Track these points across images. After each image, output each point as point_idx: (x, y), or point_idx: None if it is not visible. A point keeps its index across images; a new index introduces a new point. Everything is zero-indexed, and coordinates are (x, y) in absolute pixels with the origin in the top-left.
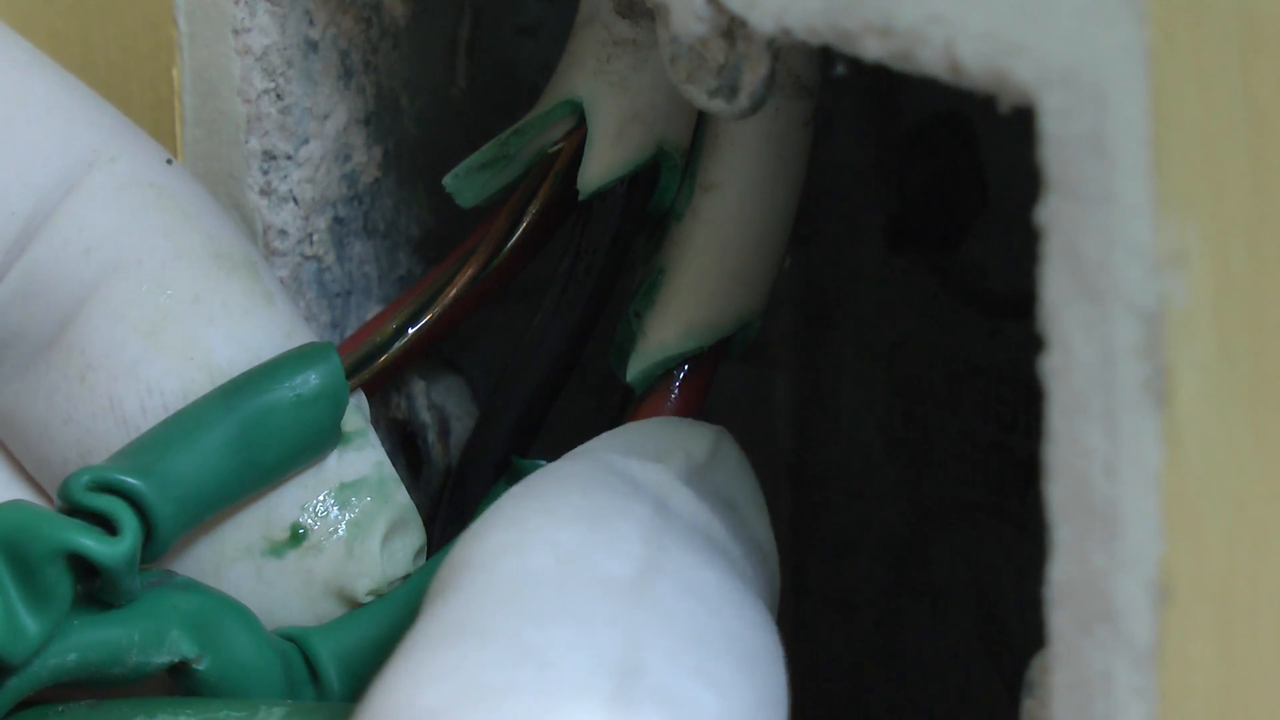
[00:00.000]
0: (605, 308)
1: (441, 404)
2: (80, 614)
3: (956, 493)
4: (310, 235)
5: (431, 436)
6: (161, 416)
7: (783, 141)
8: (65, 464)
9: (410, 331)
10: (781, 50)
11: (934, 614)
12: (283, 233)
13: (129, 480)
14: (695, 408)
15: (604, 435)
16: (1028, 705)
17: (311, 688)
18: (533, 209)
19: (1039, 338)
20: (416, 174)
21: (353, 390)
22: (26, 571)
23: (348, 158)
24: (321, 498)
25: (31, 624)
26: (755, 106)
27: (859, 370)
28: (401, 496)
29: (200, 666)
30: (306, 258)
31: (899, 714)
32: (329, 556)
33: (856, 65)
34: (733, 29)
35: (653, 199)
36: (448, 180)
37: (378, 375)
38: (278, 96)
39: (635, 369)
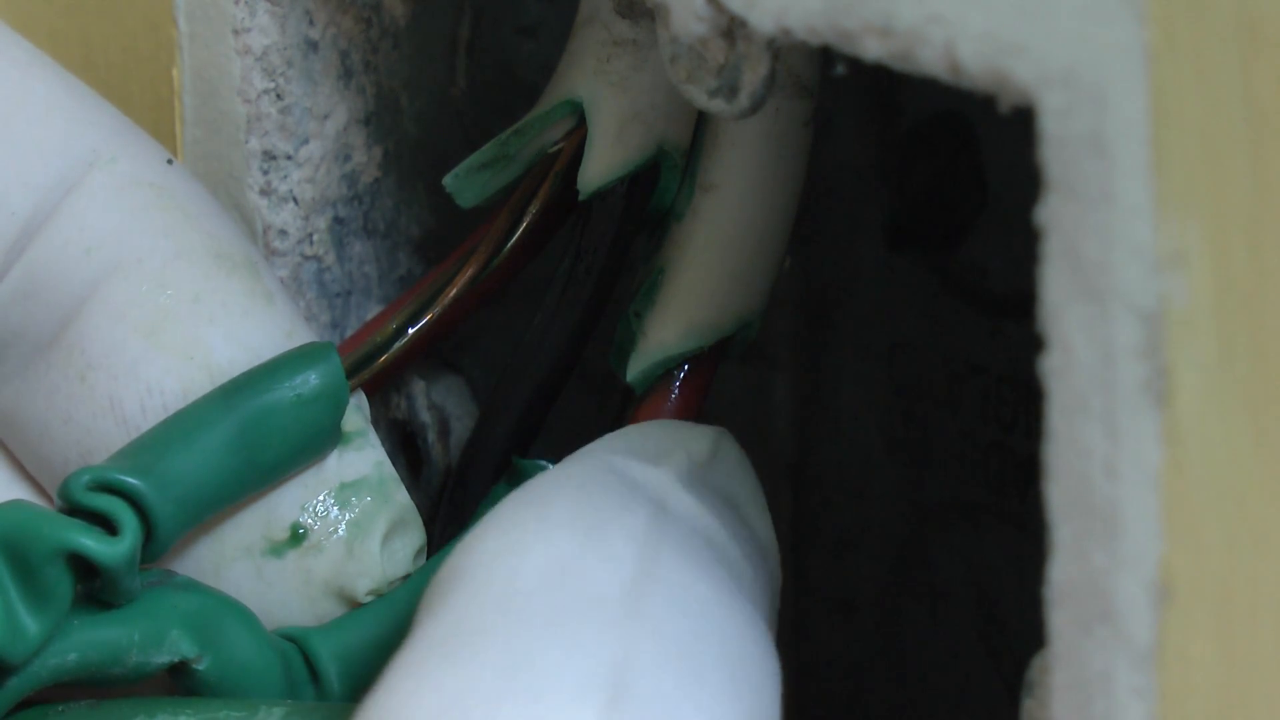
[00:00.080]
0: (605, 308)
1: (441, 404)
2: (80, 614)
3: (956, 493)
4: (310, 235)
5: (431, 436)
6: (161, 416)
7: (783, 141)
8: (65, 464)
9: (410, 331)
10: (781, 50)
11: (934, 614)
12: (283, 233)
13: (129, 480)
14: (695, 408)
15: (606, 437)
16: (1028, 705)
17: (311, 688)
18: (533, 209)
19: (1039, 338)
20: (416, 174)
21: (353, 390)
22: (26, 571)
23: (348, 158)
24: (321, 498)
25: (31, 624)
26: (755, 106)
27: (859, 370)
28: (401, 496)
29: (200, 666)
30: (306, 258)
31: (899, 714)
32: (329, 556)
33: (856, 65)
34: (733, 29)
35: (653, 199)
36: (448, 180)
37: (378, 375)
38: (278, 96)
39: (635, 369)
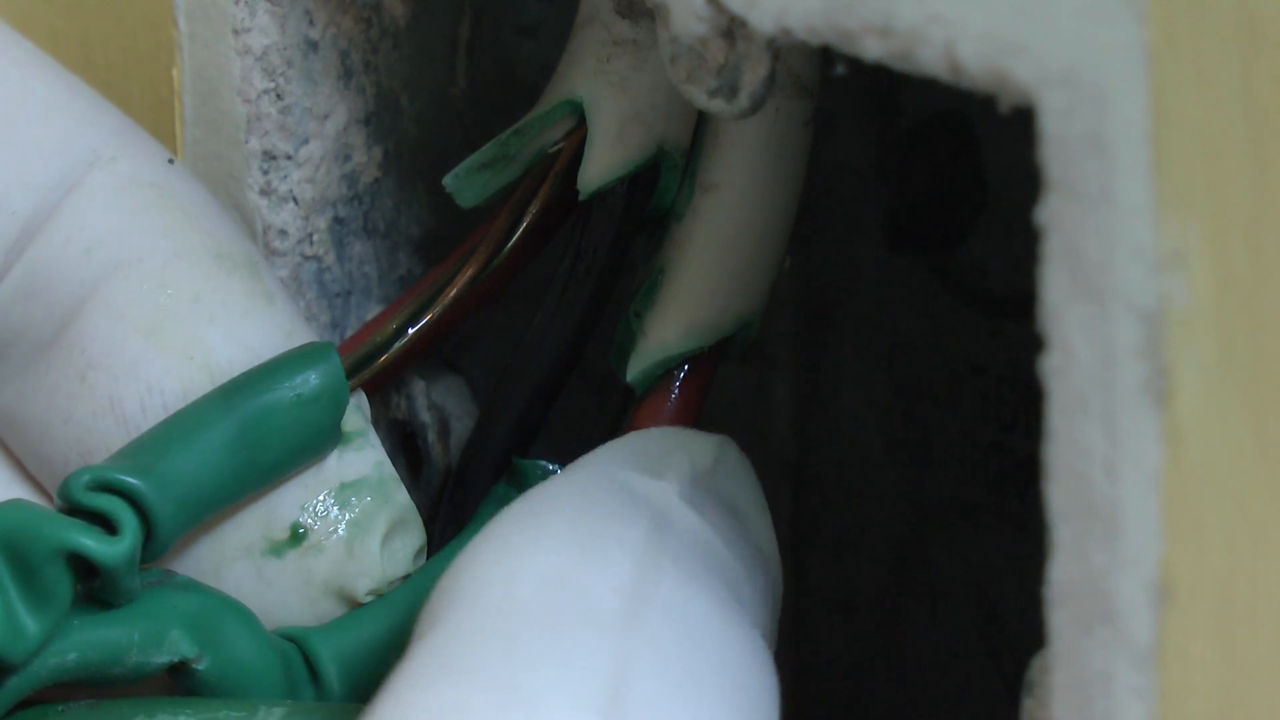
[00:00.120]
0: (605, 308)
1: (441, 404)
2: (80, 614)
3: (956, 493)
4: (310, 235)
5: (431, 436)
6: (161, 416)
7: (783, 141)
8: (66, 463)
9: (410, 331)
10: (781, 50)
11: (934, 614)
12: (283, 233)
13: (129, 480)
14: (695, 408)
15: (608, 445)
16: (1028, 705)
17: (311, 688)
18: (533, 209)
19: (1039, 338)
20: (416, 174)
21: (353, 390)
22: (26, 571)
23: (348, 158)
24: (321, 497)
25: (31, 623)
26: (755, 106)
27: (859, 370)
28: (401, 496)
29: (200, 666)
30: (306, 258)
31: (899, 714)
32: (329, 556)
33: (856, 65)
34: (733, 29)
35: (653, 199)
36: (448, 180)
37: (378, 375)
38: (278, 96)
39: (635, 369)
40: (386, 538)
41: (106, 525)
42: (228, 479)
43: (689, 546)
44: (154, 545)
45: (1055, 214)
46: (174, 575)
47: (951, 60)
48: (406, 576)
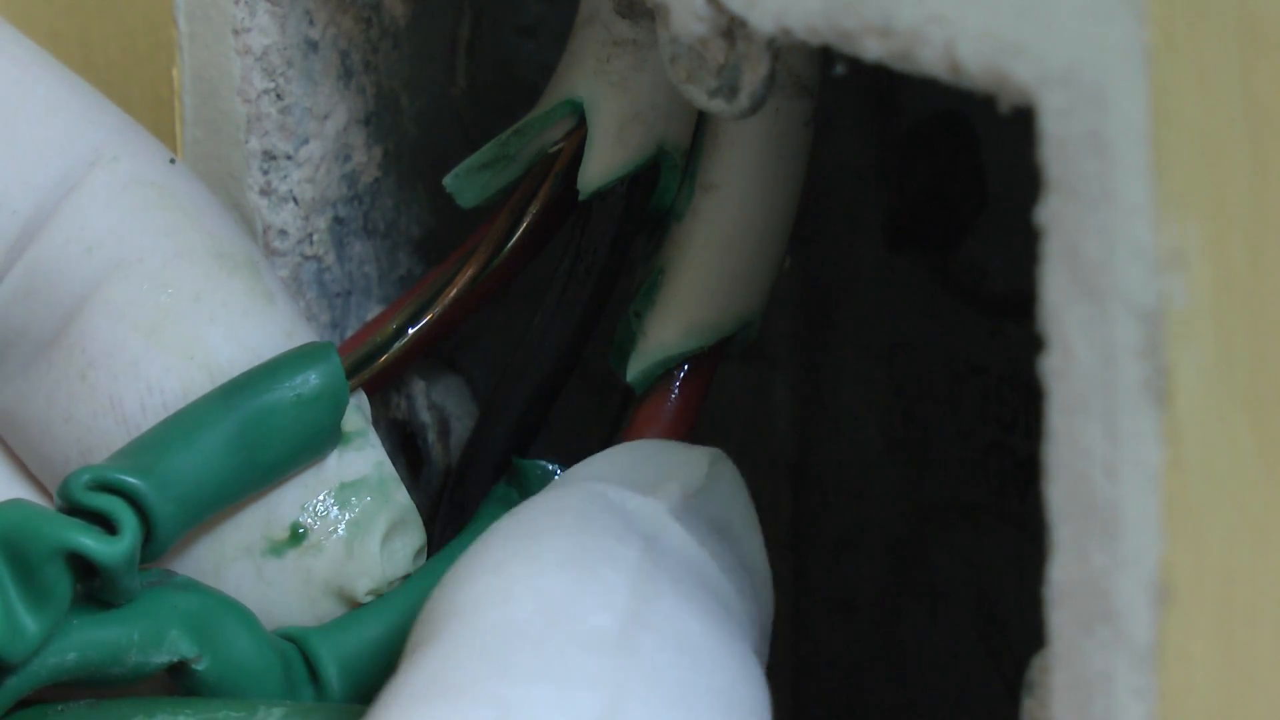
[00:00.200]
0: (605, 308)
1: (441, 404)
2: (80, 613)
3: (956, 493)
4: (310, 235)
5: (431, 436)
6: (162, 415)
7: (783, 141)
8: (66, 462)
9: (410, 331)
10: (781, 50)
11: (934, 614)
12: (283, 233)
13: (129, 479)
14: (695, 408)
15: (598, 458)
16: (1028, 705)
17: (311, 688)
18: (533, 209)
19: (1039, 338)
20: (416, 174)
21: (353, 390)
22: (26, 571)
23: (348, 158)
24: (321, 497)
25: (31, 623)
26: (755, 106)
27: (859, 370)
28: (401, 496)
29: (199, 666)
30: (306, 258)
31: (899, 714)
32: (329, 556)
33: (856, 65)
34: (733, 29)
35: (653, 199)
36: (448, 180)
37: (378, 375)
38: (278, 96)
39: (635, 369)
40: (386, 538)
41: (106, 525)
42: (228, 479)
43: (681, 565)
44: (154, 545)
45: (1055, 214)
46: (174, 575)
47: (951, 60)
48: (406, 576)
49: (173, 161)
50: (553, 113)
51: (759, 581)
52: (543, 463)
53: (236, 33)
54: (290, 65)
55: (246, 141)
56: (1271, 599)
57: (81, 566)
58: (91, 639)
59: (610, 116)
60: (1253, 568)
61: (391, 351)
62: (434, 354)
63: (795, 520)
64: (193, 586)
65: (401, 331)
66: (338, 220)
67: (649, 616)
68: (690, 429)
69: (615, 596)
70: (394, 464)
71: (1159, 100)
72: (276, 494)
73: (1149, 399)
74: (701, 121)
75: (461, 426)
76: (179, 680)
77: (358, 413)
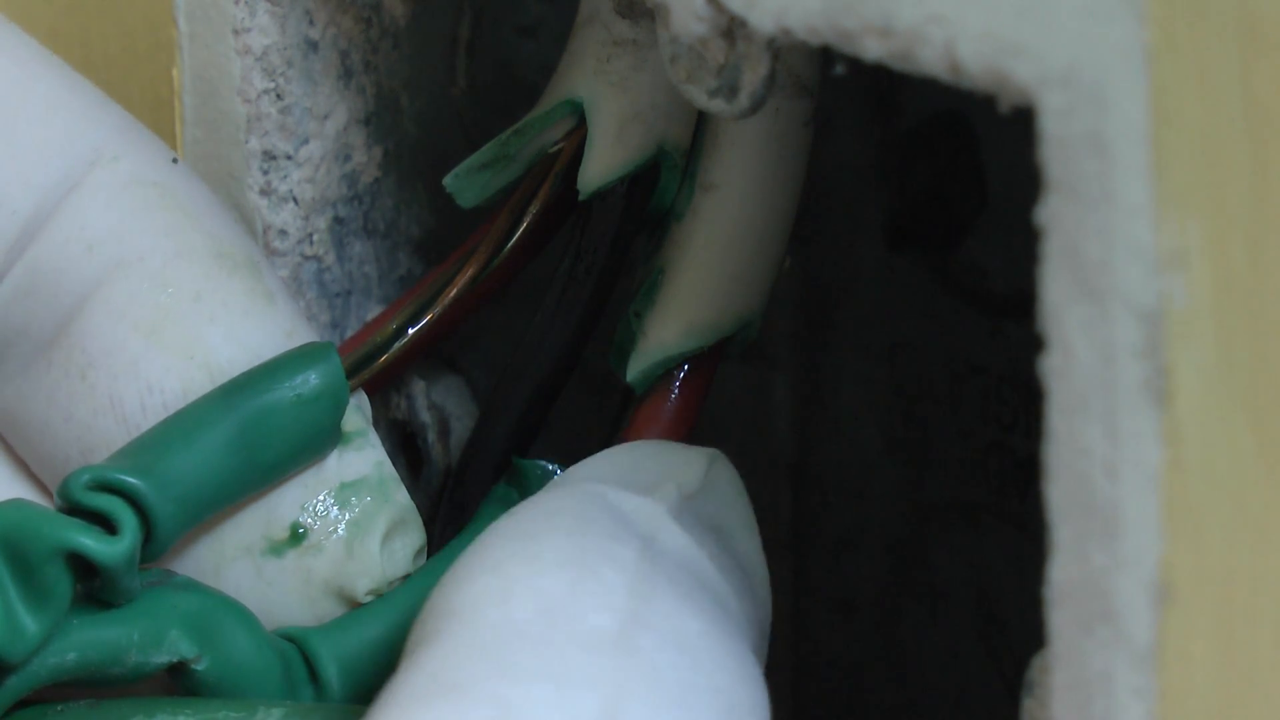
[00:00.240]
0: (605, 308)
1: (441, 404)
2: (80, 613)
3: (956, 493)
4: (310, 235)
5: (431, 436)
6: (162, 415)
7: (783, 141)
8: (67, 462)
9: (410, 331)
10: (781, 50)
11: (934, 614)
12: (283, 233)
13: (129, 479)
14: (695, 408)
15: (597, 458)
16: (1028, 705)
17: (311, 688)
18: (533, 209)
19: (1039, 338)
20: (416, 174)
21: (353, 390)
22: (26, 570)
23: (348, 158)
24: (321, 497)
25: (31, 623)
26: (755, 106)
27: (859, 370)
28: (401, 496)
29: (199, 666)
30: (306, 258)
31: (899, 714)
32: (329, 556)
33: (856, 65)
34: (733, 29)
35: (653, 199)
36: (448, 180)
37: (378, 375)
38: (278, 96)
39: (635, 369)
40: (386, 538)
41: (106, 525)
42: (228, 479)
43: (679, 566)
44: (154, 545)
45: (1055, 214)
46: (174, 575)
47: (951, 60)
48: (406, 576)
49: (174, 161)
50: (553, 113)
51: (757, 582)
52: (543, 463)
53: (236, 33)
54: (290, 65)
55: (246, 141)
56: (1271, 599)
57: (81, 566)
58: (91, 639)
59: (610, 116)
60: (1253, 568)
61: (391, 351)
62: (434, 354)
63: (795, 520)
64: (193, 586)
65: (401, 331)
66: (338, 220)
67: (648, 616)
68: (690, 429)
69: (614, 596)
70: (394, 464)
71: (1159, 100)
72: (276, 494)
73: (1149, 399)
74: (701, 121)
75: (461, 426)
76: (179, 680)
77: (358, 413)
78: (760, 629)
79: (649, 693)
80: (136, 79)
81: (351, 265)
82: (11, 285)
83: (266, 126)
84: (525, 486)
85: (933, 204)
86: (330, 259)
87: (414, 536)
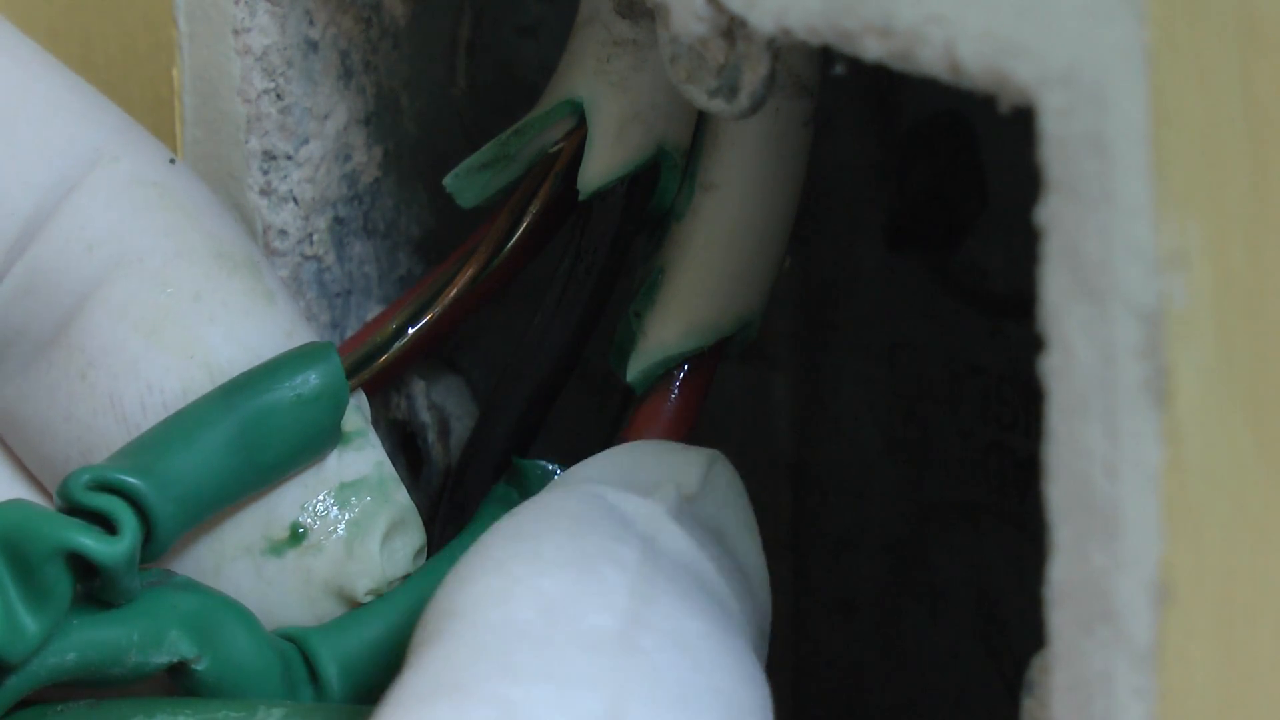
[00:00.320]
0: (605, 308)
1: (441, 404)
2: (79, 613)
3: (956, 493)
4: (310, 235)
5: (431, 436)
6: (161, 415)
7: (783, 141)
8: (66, 462)
9: (410, 331)
10: (781, 50)
11: (934, 614)
12: (283, 233)
13: (129, 479)
14: (695, 408)
15: (597, 458)
16: (1028, 705)
17: (311, 688)
18: (533, 209)
19: (1039, 338)
20: (416, 174)
21: (353, 390)
22: (26, 570)
23: (348, 158)
24: (321, 497)
25: (31, 623)
26: (755, 106)
27: (859, 370)
28: (401, 496)
29: (199, 667)
30: (306, 258)
31: (899, 714)
32: (329, 556)
33: (856, 65)
34: (733, 29)
35: (653, 199)
36: (448, 180)
37: (378, 375)
38: (278, 96)
39: (635, 369)
40: (386, 538)
41: (106, 525)
42: (228, 479)
43: (679, 567)
44: (154, 545)
45: (1055, 214)
46: (174, 575)
47: (951, 60)
48: (406, 576)
49: (173, 161)
50: (553, 113)
51: (756, 583)
52: (543, 463)
53: (236, 33)
54: (290, 65)
55: (246, 141)
56: (1271, 599)
57: (81, 566)
58: (91, 639)
59: (610, 116)
60: (1253, 568)
61: (391, 351)
62: (434, 354)
63: (795, 520)
64: (192, 587)
65: (401, 331)
66: (338, 220)
67: (649, 617)
68: (690, 429)
69: (616, 597)
70: (394, 464)
71: (1159, 100)
72: (276, 494)
73: (1149, 399)
74: (701, 121)
75: (461, 426)
76: (179, 680)
77: (358, 413)
78: (760, 629)
79: (650, 693)
80: (136, 79)
81: (351, 265)
82: (11, 285)
83: (266, 126)
84: (525, 486)
85: (933, 204)
86: (330, 259)
87: (414, 536)
